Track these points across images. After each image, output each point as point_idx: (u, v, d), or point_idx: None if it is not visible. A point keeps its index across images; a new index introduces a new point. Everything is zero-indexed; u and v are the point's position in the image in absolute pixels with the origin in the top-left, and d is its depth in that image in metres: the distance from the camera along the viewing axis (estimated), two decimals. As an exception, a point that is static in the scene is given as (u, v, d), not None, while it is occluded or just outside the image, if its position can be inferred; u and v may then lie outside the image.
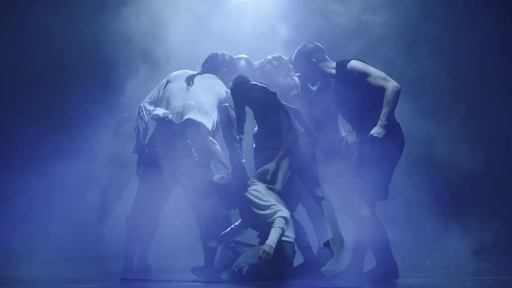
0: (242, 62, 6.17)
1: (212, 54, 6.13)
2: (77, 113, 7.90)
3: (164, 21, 7.05)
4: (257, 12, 7.39)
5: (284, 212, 5.48)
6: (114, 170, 7.49)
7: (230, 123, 5.80)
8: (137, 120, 5.96)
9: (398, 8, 7.48)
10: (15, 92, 8.16)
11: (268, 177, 5.69)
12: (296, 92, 6.00)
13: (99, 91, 7.74)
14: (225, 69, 6.05)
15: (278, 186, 5.69)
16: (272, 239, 5.36)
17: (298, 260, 5.87)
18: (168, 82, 6.01)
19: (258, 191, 5.58)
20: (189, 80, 5.96)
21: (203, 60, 6.15)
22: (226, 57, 6.09)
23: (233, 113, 5.82)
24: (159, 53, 6.93)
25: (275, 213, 5.47)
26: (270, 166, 5.71)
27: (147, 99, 6.01)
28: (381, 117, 5.47)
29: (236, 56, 6.18)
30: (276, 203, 5.53)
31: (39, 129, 7.88)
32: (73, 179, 7.50)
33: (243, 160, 5.73)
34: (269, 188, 5.64)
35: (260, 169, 5.75)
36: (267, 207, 5.52)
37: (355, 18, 7.33)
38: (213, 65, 6.07)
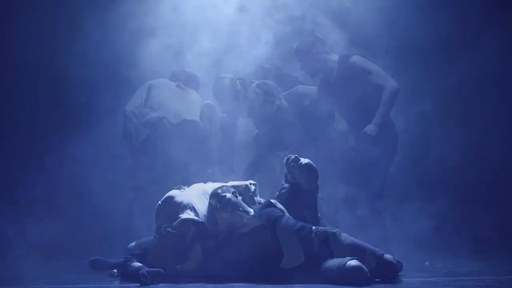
0: (226, 81, 6.36)
1: (179, 69, 6.73)
2: (83, 109, 7.91)
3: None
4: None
5: None
6: (115, 169, 7.50)
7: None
8: (126, 125, 6.07)
9: (399, 6, 7.48)
10: (18, 91, 8.18)
11: None
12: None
13: (107, 84, 7.73)
14: (193, 83, 6.70)
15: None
16: None
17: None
18: (151, 89, 6.24)
19: None
20: (175, 86, 6.49)
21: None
22: (194, 73, 6.77)
23: None
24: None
25: None
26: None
27: (131, 104, 6.19)
28: (377, 115, 5.48)
29: (220, 76, 6.45)
30: None
31: (44, 127, 7.90)
32: (73, 178, 7.51)
33: None
34: None
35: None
36: None
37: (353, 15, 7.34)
38: (182, 79, 6.67)
